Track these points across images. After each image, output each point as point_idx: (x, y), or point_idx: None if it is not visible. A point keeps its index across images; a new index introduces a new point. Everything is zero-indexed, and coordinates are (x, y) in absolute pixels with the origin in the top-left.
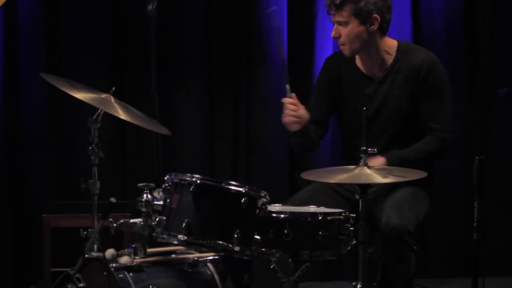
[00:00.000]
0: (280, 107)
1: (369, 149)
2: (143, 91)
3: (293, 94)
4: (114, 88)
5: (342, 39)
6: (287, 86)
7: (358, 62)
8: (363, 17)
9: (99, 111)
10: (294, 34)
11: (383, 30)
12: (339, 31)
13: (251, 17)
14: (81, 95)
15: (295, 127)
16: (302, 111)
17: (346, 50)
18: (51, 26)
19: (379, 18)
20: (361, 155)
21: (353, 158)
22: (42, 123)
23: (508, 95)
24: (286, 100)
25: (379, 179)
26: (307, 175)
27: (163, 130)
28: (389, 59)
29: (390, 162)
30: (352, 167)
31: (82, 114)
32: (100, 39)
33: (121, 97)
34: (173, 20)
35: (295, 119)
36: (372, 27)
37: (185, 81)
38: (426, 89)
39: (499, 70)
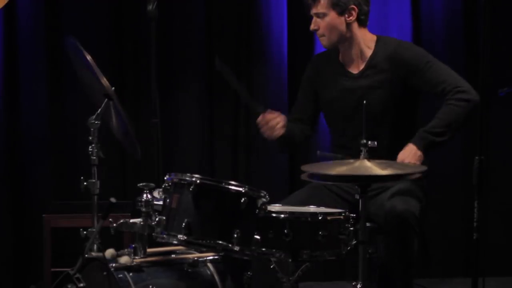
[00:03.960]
0: (280, 106)
1: (369, 142)
2: (143, 91)
3: (268, 110)
4: (114, 88)
5: (320, 31)
6: (261, 107)
7: (340, 57)
8: (340, 8)
9: (99, 110)
10: (294, 34)
11: (362, 22)
12: (317, 23)
13: (251, 17)
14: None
15: (278, 134)
16: (278, 118)
17: (324, 41)
18: (51, 26)
19: (356, 9)
20: (361, 148)
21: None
22: (42, 123)
23: (508, 95)
24: (259, 119)
25: (378, 171)
26: (307, 168)
27: (136, 152)
28: (368, 52)
29: (419, 143)
30: (352, 160)
31: (82, 114)
32: (100, 39)
33: (121, 97)
34: (173, 20)
35: (276, 129)
36: (350, 18)
37: (185, 81)
38: (411, 68)
39: (499, 70)
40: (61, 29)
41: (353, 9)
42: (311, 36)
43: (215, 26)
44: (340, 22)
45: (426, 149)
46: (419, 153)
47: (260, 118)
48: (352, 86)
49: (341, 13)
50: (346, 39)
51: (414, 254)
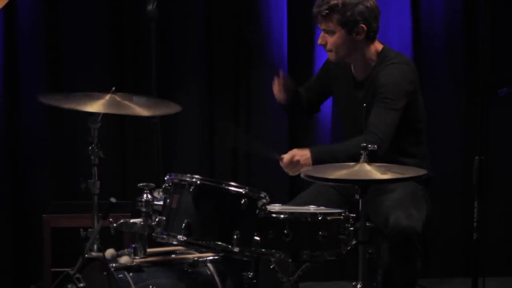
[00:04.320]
0: (280, 106)
1: (369, 145)
2: (143, 91)
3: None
4: (114, 88)
5: (328, 47)
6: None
7: (352, 66)
8: (349, 26)
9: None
10: (294, 34)
11: (370, 38)
12: (325, 39)
13: (251, 17)
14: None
15: (286, 95)
16: (286, 82)
17: (332, 56)
18: (51, 26)
19: (365, 28)
20: (361, 151)
21: None
22: (42, 123)
23: (508, 95)
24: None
25: (378, 175)
26: (308, 172)
27: (174, 108)
28: (372, 64)
29: (315, 156)
30: (352, 163)
31: (82, 115)
32: (100, 39)
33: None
34: (173, 20)
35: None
36: (359, 36)
37: (185, 81)
38: (377, 88)
39: (499, 70)
40: (61, 29)
41: (362, 28)
42: (311, 36)
43: (215, 26)
44: (348, 40)
45: (315, 162)
46: (308, 161)
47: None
48: (354, 93)
49: (350, 31)
50: (354, 55)
51: (416, 270)
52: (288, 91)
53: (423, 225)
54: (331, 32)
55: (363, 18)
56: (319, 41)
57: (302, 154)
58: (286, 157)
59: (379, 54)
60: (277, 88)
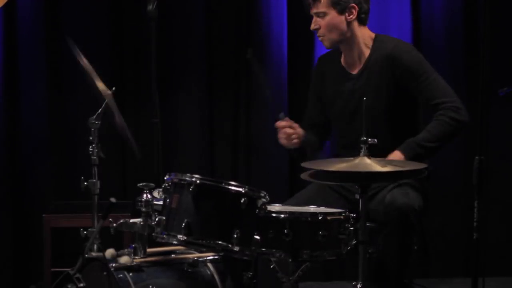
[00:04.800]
0: (280, 106)
1: (370, 139)
2: (143, 91)
3: (287, 118)
4: (114, 88)
5: (321, 31)
6: (281, 114)
7: (342, 59)
8: (340, 6)
9: (99, 110)
10: (294, 34)
11: (362, 20)
12: (318, 22)
13: (251, 17)
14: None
15: (294, 145)
16: (298, 130)
17: (325, 41)
18: (51, 26)
19: (357, 8)
20: (361, 145)
21: (342, 155)
22: (42, 123)
23: (508, 95)
24: (280, 123)
25: (378, 168)
26: (308, 165)
27: (135, 150)
28: (367, 52)
29: (406, 153)
30: (352, 158)
31: (82, 114)
32: (100, 39)
33: (121, 97)
34: (173, 20)
35: (293, 139)
36: (351, 16)
37: (185, 81)
38: (407, 75)
39: (499, 70)
40: (61, 29)
41: (354, 7)
42: (311, 36)
43: (215, 26)
44: (340, 21)
45: (410, 159)
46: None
47: (278, 123)
48: (351, 87)
49: (341, 12)
50: (346, 39)
51: (412, 249)
52: (298, 137)
53: (420, 205)
54: (322, 14)
55: None
56: (312, 26)
57: (393, 157)
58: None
59: (374, 40)
60: (285, 136)
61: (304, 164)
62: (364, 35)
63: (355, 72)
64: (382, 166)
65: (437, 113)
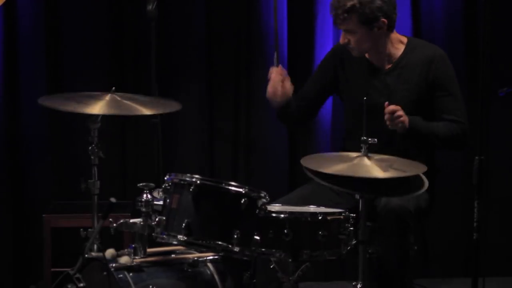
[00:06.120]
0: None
1: (370, 139)
2: (143, 91)
3: (280, 65)
4: (114, 88)
5: (352, 45)
6: (275, 55)
7: (367, 54)
8: (370, 23)
9: None
10: (294, 34)
11: (390, 28)
12: (348, 37)
13: (251, 17)
14: (90, 109)
15: (278, 100)
16: (287, 84)
17: (355, 52)
18: (51, 26)
19: (386, 21)
20: (361, 145)
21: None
22: (42, 123)
23: (508, 95)
24: (273, 69)
25: (379, 172)
26: (307, 161)
27: (174, 106)
28: (398, 53)
29: (411, 124)
30: (353, 156)
31: (82, 114)
32: (100, 39)
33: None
34: (173, 20)
35: (279, 89)
36: (381, 30)
37: (185, 81)
38: (438, 82)
39: (499, 70)
40: (61, 29)
41: (383, 22)
42: (311, 36)
43: (215, 26)
44: (371, 35)
45: (409, 130)
46: (406, 126)
47: (270, 72)
48: (379, 83)
49: (371, 28)
50: (377, 47)
51: (410, 249)
52: (287, 90)
53: (417, 209)
54: (353, 32)
55: (383, 12)
56: (341, 40)
57: (404, 115)
58: (392, 106)
59: (407, 43)
60: (275, 83)
61: (303, 161)
62: (394, 39)
63: (384, 68)
64: (384, 170)
65: (450, 121)
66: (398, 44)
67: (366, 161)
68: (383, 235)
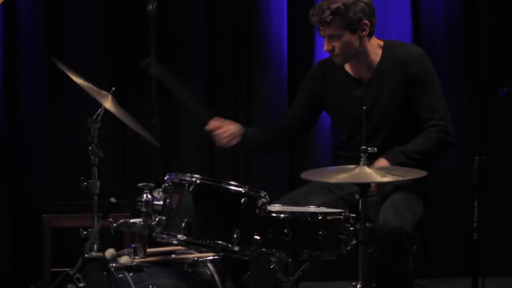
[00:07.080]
0: (280, 106)
1: (369, 148)
2: (143, 91)
3: (212, 119)
4: (114, 88)
5: (336, 51)
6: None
7: (346, 66)
8: (354, 26)
9: (99, 111)
10: (294, 34)
11: (371, 33)
12: (332, 44)
13: (251, 17)
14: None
15: (233, 143)
16: (230, 126)
17: (338, 58)
18: (51, 26)
19: (368, 24)
20: (361, 154)
21: (346, 158)
22: (42, 123)
23: (508, 95)
24: (208, 127)
25: (378, 178)
26: (307, 175)
27: (152, 140)
28: (376, 59)
29: (391, 161)
30: (352, 166)
31: (82, 114)
32: (100, 39)
33: (121, 97)
34: (173, 20)
35: (228, 139)
36: (364, 33)
37: (185, 81)
38: (415, 82)
39: (499, 70)
40: (61, 29)
41: (366, 24)
42: (311, 36)
43: (215, 26)
44: (354, 39)
45: (394, 165)
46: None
47: (208, 126)
48: (361, 94)
49: (354, 31)
50: (358, 53)
51: (408, 268)
52: (233, 132)
53: (415, 224)
54: (337, 36)
55: (365, 14)
56: (325, 47)
57: (379, 164)
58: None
59: (384, 47)
60: (222, 135)
61: (303, 175)
62: (373, 45)
63: (363, 79)
64: (382, 176)
65: (428, 128)
66: (377, 49)
67: (365, 169)
68: (382, 257)
